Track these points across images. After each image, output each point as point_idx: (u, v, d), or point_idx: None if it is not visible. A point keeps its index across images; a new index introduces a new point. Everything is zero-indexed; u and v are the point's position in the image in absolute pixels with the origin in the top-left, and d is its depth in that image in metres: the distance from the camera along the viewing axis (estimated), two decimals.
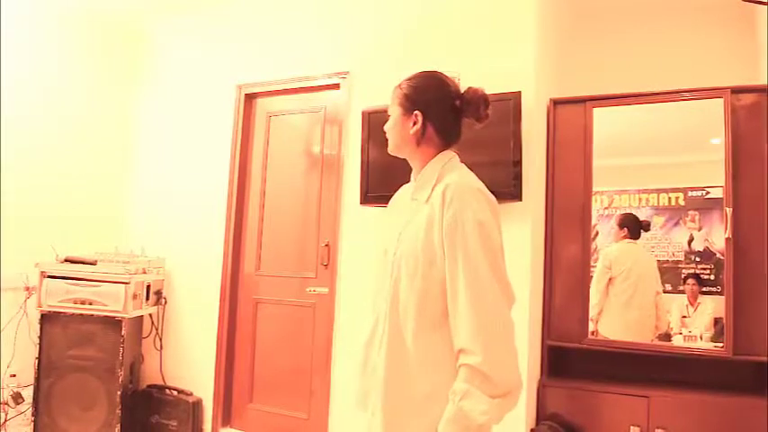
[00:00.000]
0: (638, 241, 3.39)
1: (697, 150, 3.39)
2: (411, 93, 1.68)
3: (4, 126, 3.71)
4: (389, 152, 1.74)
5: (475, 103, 1.65)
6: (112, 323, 3.64)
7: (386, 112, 1.74)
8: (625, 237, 3.41)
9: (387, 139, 1.73)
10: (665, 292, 3.30)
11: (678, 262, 3.27)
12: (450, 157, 1.67)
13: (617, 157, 3.48)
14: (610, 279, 3.39)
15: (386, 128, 1.73)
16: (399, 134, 1.69)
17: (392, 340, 1.57)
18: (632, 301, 3.40)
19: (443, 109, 1.66)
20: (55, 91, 4.10)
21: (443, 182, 1.57)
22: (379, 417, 1.55)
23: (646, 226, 3.37)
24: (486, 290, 1.46)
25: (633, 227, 3.41)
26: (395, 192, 1.88)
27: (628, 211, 3.41)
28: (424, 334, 1.53)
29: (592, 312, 3.32)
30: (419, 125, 1.65)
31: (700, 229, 3.23)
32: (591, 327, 3.31)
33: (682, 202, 3.30)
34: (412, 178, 1.74)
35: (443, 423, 1.43)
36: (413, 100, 1.67)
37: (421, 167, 1.67)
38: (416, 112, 1.65)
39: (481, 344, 1.42)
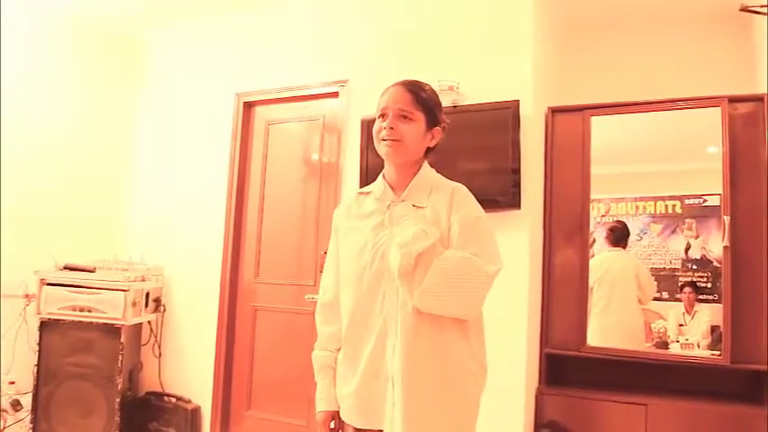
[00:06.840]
0: (626, 249, 3.42)
1: (694, 159, 3.41)
2: (436, 108, 1.72)
3: (4, 133, 3.72)
4: (396, 156, 1.67)
5: None
6: (111, 330, 3.64)
7: None
8: (609, 245, 3.45)
9: (386, 139, 1.64)
10: (661, 299, 3.31)
11: (675, 270, 3.28)
12: (428, 166, 1.76)
13: (614, 165, 3.49)
14: (590, 288, 3.39)
15: (404, 130, 1.64)
16: (419, 143, 1.69)
17: (410, 343, 1.56)
18: (609, 309, 3.42)
19: None
20: (54, 98, 4.11)
21: (445, 186, 1.70)
22: (399, 423, 1.54)
23: (619, 232, 3.43)
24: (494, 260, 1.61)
25: (614, 235, 3.44)
26: None
27: (619, 219, 3.45)
28: (443, 333, 1.59)
29: None
30: (436, 141, 1.73)
31: (696, 237, 3.24)
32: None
33: (679, 210, 3.32)
34: (380, 182, 1.76)
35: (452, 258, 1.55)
36: (436, 115, 1.71)
37: (412, 175, 1.71)
38: (438, 128, 1.72)
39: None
